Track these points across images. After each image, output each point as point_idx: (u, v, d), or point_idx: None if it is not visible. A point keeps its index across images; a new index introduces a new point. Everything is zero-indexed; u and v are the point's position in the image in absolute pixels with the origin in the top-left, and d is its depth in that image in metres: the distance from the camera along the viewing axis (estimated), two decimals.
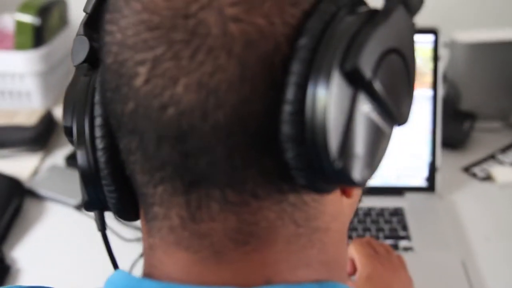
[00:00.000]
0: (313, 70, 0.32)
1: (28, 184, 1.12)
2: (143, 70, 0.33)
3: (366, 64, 0.32)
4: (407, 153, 1.09)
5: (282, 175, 0.34)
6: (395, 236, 0.99)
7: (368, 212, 1.04)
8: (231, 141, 0.33)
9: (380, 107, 0.34)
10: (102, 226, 0.44)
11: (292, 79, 0.32)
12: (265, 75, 0.32)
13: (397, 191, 1.09)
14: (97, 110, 0.39)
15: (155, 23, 0.33)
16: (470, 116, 1.24)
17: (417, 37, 1.03)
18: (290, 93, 0.32)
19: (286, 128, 0.32)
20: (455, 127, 1.23)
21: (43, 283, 0.48)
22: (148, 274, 0.39)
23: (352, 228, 1.01)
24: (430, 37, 1.05)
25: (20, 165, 1.18)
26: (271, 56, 0.32)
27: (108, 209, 0.42)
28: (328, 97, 0.31)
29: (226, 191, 0.34)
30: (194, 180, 0.34)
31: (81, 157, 0.39)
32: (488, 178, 1.15)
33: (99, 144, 0.39)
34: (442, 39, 1.21)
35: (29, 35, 1.31)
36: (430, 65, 1.05)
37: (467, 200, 1.10)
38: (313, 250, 0.38)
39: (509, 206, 1.08)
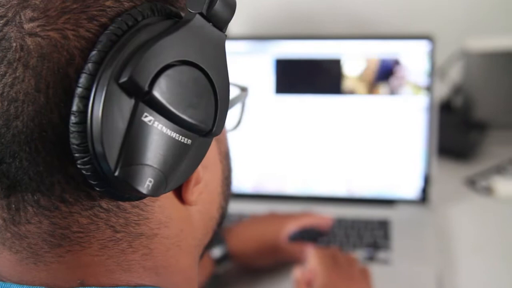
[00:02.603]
0: (95, 82, 0.33)
1: None
2: None
3: (143, 76, 0.33)
4: (400, 163, 1.06)
5: (86, 182, 0.36)
6: (374, 246, 0.97)
7: (354, 221, 1.03)
8: (32, 149, 0.35)
9: (168, 118, 0.35)
10: None
11: (77, 91, 0.33)
12: (59, 87, 0.34)
13: (388, 202, 1.07)
14: None
15: None
16: (479, 126, 1.20)
17: (412, 44, 1.02)
18: (74, 105, 0.33)
19: (72, 138, 0.34)
20: (463, 137, 1.19)
21: None
22: None
23: (333, 235, 1.00)
24: (425, 44, 1.02)
25: None
26: (64, 68, 0.34)
27: None
28: (105, 108, 0.33)
29: (37, 195, 0.36)
30: (10, 185, 0.36)
31: None
32: (488, 191, 1.10)
33: None
34: (451, 48, 1.18)
35: None
36: (424, 73, 1.03)
37: (462, 213, 1.06)
38: (135, 255, 0.39)
39: (504, 221, 1.03)
